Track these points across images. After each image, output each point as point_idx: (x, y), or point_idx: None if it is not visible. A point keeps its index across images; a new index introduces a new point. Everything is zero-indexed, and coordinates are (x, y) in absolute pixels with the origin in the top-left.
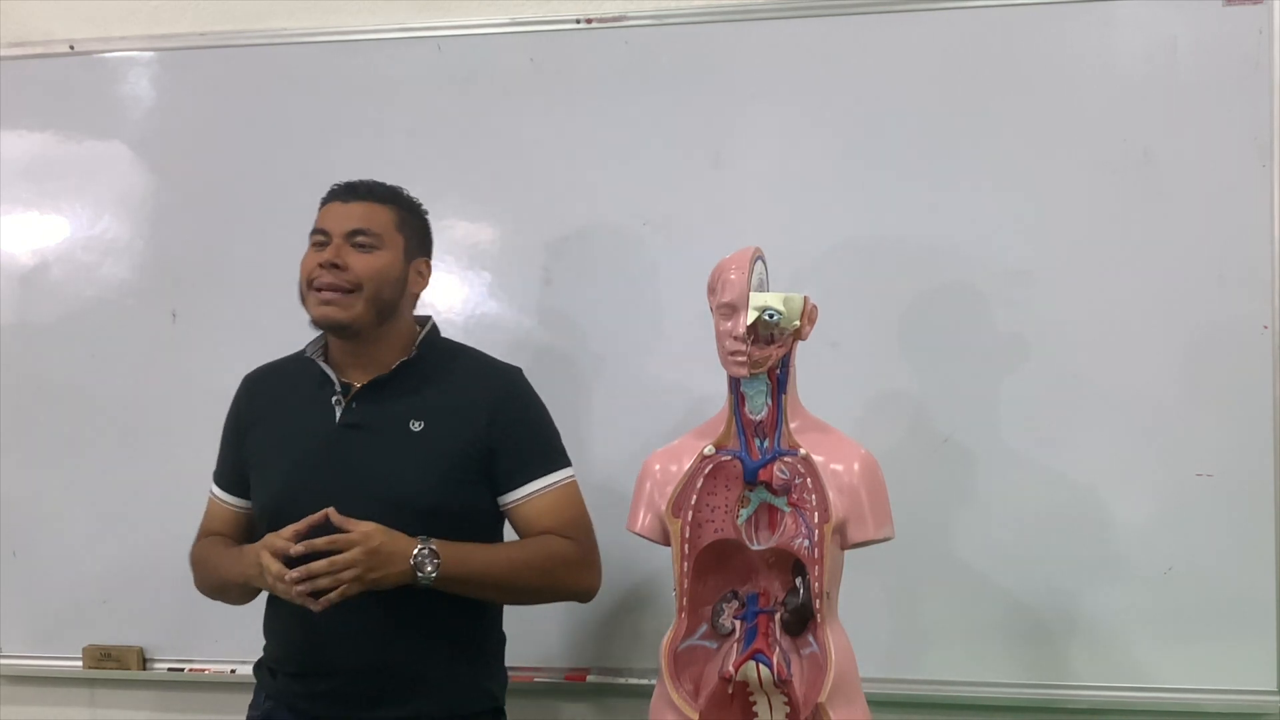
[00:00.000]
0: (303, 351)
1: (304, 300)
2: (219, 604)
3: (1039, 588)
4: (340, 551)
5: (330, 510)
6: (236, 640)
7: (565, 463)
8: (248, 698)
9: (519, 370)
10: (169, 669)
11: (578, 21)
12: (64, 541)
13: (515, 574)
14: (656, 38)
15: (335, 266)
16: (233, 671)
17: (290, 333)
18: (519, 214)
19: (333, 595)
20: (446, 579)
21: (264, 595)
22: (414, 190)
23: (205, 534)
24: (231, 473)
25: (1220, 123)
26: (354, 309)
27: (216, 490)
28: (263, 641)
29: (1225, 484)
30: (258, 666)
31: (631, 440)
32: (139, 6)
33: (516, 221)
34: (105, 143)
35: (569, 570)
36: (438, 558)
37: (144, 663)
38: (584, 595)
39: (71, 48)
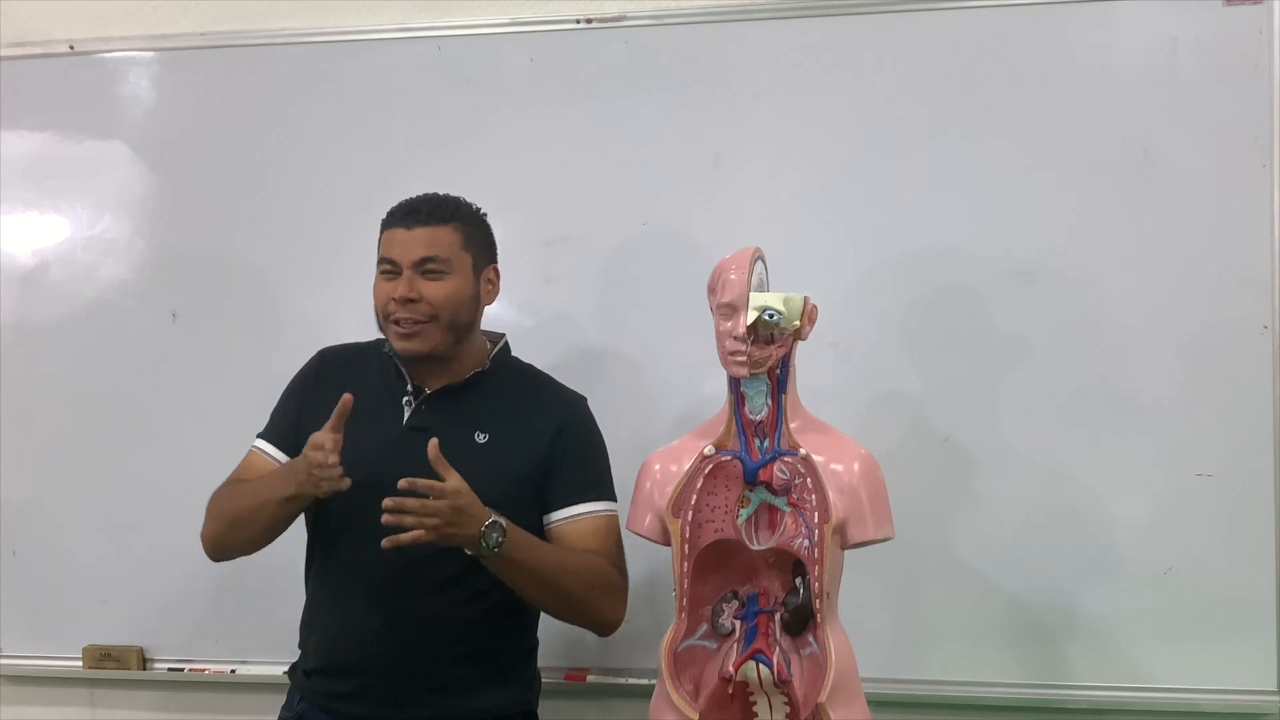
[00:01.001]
0: (380, 344)
1: (382, 329)
2: (218, 604)
3: (1039, 588)
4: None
5: (434, 442)
6: (236, 640)
7: (612, 497)
8: (248, 698)
9: (584, 399)
10: (169, 669)
11: (578, 21)
12: (64, 541)
13: (561, 576)
14: (656, 38)
15: (410, 301)
16: (233, 671)
17: (291, 332)
18: (519, 214)
19: (404, 538)
20: (504, 558)
21: (303, 596)
22: (414, 190)
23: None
24: (288, 432)
25: (1220, 123)
26: (434, 338)
27: (264, 445)
28: (266, 643)
29: (1225, 484)
30: (291, 670)
31: (631, 440)
32: (139, 6)
33: (516, 221)
34: (105, 143)
35: (606, 593)
36: (504, 536)
37: (144, 663)
38: (608, 625)
39: (71, 48)
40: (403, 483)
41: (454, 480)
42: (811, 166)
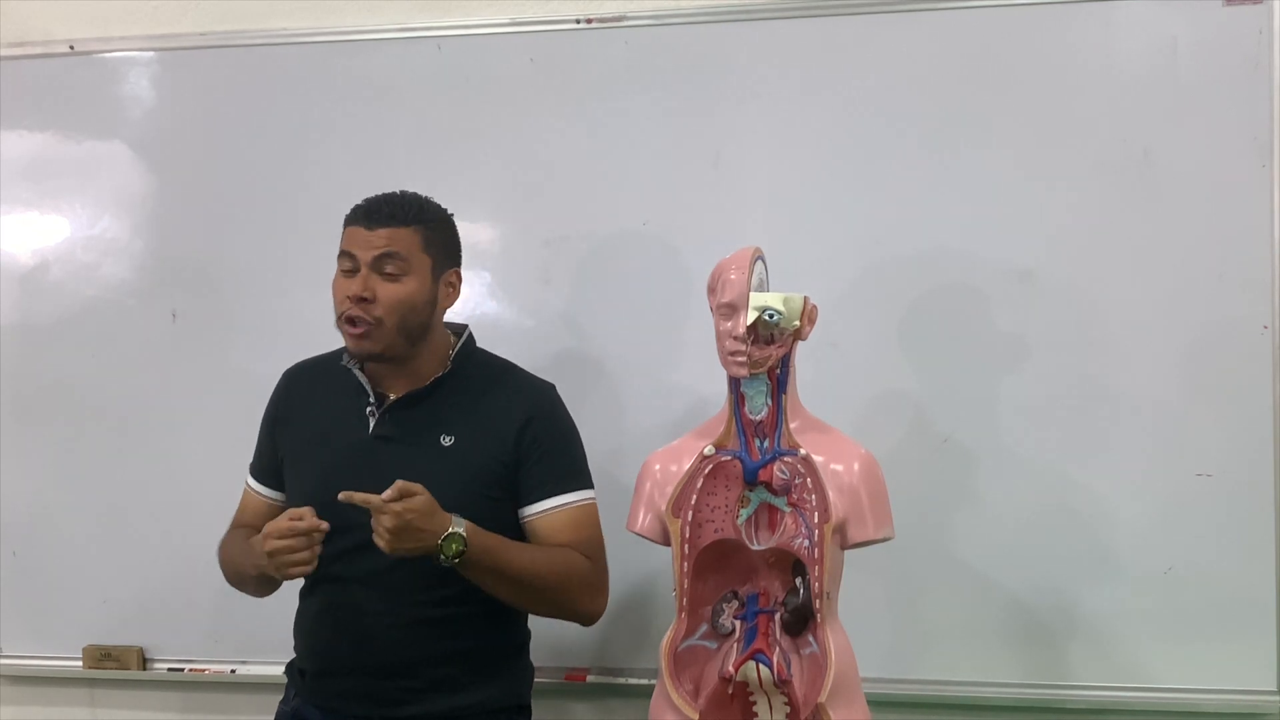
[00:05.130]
0: (341, 355)
1: (339, 327)
2: (219, 604)
3: (1039, 588)
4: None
5: (348, 494)
6: (236, 640)
7: (588, 485)
8: (248, 698)
9: (552, 386)
10: (169, 669)
11: (578, 21)
12: (64, 541)
13: (533, 576)
14: (656, 38)
15: (364, 300)
16: (233, 671)
17: (290, 332)
18: (519, 214)
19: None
20: (469, 566)
21: (295, 597)
22: (413, 190)
23: (236, 526)
24: (267, 465)
25: (1220, 123)
26: (383, 340)
27: (251, 482)
28: (266, 642)
29: (1225, 484)
30: (289, 667)
31: (631, 440)
32: (139, 6)
33: (516, 221)
34: (105, 143)
35: (582, 587)
36: (464, 545)
37: (144, 663)
38: (589, 617)
39: (71, 48)
40: (341, 496)
41: (414, 498)
42: (811, 166)
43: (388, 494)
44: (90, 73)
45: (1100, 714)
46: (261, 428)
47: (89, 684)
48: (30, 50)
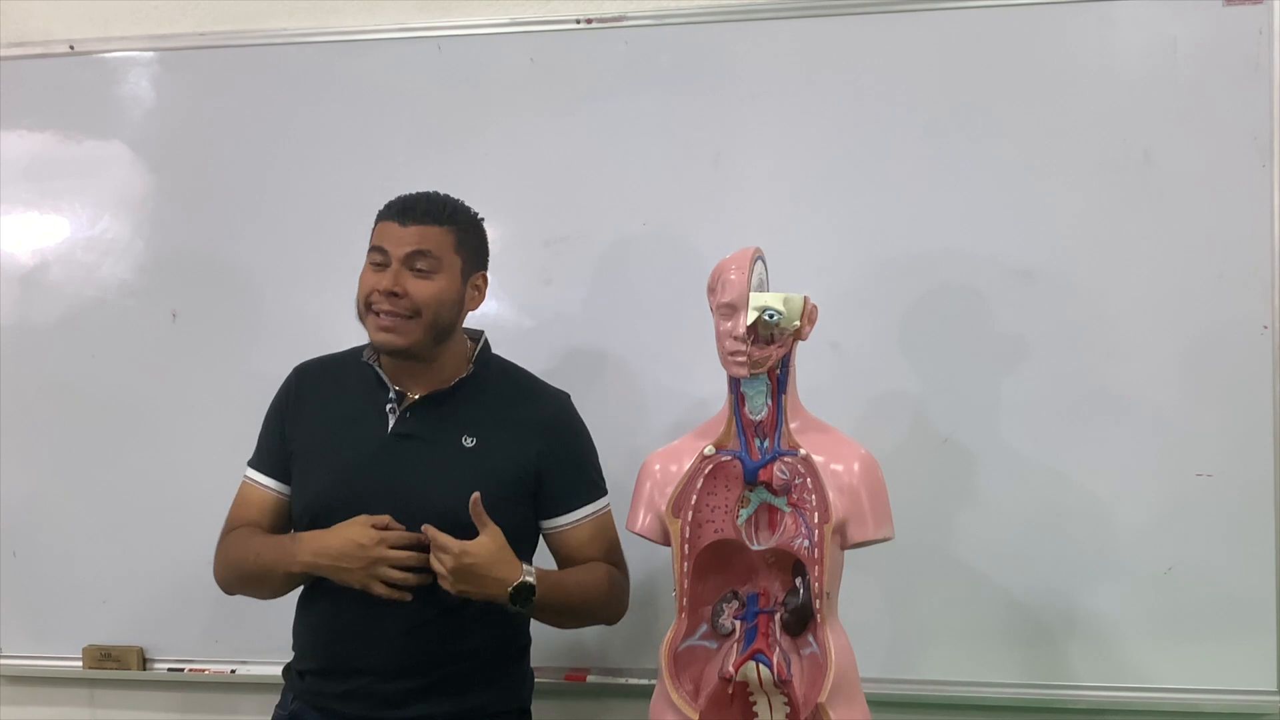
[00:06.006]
0: (358, 353)
1: (362, 319)
2: (218, 604)
3: (1039, 588)
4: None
5: (476, 496)
6: (236, 640)
7: (605, 491)
8: (248, 698)
9: (568, 396)
10: (169, 669)
11: (578, 21)
12: (64, 541)
13: (584, 602)
14: (656, 38)
15: (394, 295)
16: (233, 671)
17: (291, 332)
18: (519, 214)
19: (394, 594)
20: (532, 609)
21: (293, 597)
22: (413, 190)
23: (238, 521)
24: (275, 457)
25: (1220, 123)
26: (412, 335)
27: (255, 475)
28: (266, 643)
29: (1225, 484)
30: (286, 669)
31: (631, 440)
32: (139, 6)
33: (516, 221)
34: (105, 143)
35: (618, 599)
36: (533, 595)
37: (144, 663)
38: (617, 619)
39: (71, 48)
40: (425, 529)
41: (481, 538)
42: (812, 166)
43: (474, 500)
44: (90, 73)
45: (1100, 714)
46: (268, 421)
47: (89, 684)
48: (30, 50)
